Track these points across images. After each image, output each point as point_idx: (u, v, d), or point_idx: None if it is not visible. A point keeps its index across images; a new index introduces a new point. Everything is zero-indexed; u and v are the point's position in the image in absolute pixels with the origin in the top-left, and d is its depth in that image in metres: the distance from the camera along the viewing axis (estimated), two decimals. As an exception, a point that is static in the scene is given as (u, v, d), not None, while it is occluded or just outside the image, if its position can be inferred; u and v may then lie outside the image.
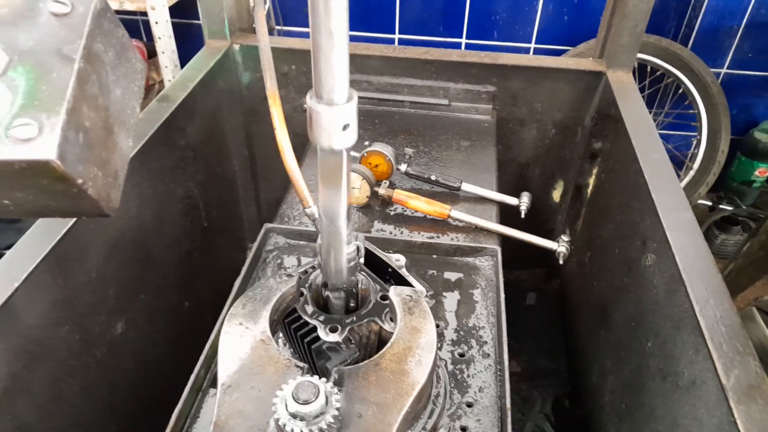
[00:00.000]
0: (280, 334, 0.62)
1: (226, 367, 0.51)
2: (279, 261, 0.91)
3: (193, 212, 1.18)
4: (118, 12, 2.01)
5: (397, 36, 2.29)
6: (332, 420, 0.47)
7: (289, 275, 0.60)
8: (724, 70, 2.14)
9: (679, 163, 2.26)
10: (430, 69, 1.24)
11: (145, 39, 2.36)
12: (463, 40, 2.27)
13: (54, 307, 0.76)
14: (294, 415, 0.46)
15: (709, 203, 2.26)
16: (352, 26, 2.22)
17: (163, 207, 1.03)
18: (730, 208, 2.22)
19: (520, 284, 1.60)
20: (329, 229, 0.54)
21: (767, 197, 2.28)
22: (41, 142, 0.33)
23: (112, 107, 0.39)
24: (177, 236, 1.11)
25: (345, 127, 0.48)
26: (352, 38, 2.07)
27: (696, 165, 2.11)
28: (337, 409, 0.47)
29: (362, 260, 0.61)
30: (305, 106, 0.48)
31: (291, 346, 0.61)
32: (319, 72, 0.45)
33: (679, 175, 2.19)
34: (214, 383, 0.72)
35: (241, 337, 0.53)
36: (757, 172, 2.21)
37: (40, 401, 0.74)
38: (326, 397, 0.47)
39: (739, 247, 1.94)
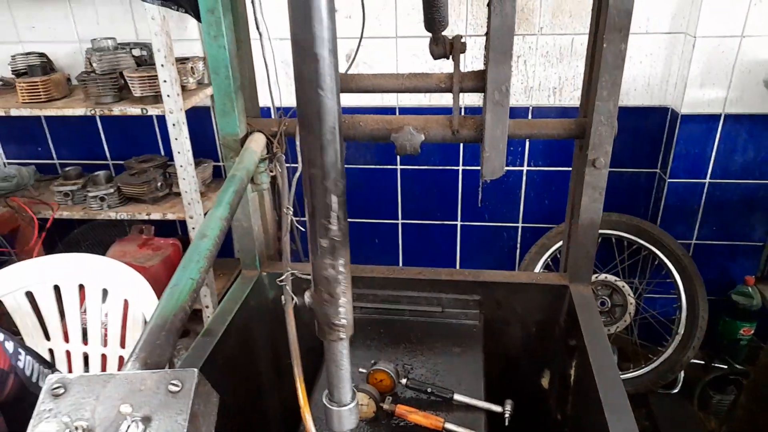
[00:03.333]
0: None
1: None
2: (301, 479, 1.08)
3: (225, 417, 1.36)
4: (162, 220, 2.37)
5: (400, 221, 2.62)
6: None
7: None
8: (693, 241, 2.40)
9: (666, 327, 2.43)
10: (425, 284, 1.50)
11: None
12: (458, 223, 2.59)
13: None
14: None
15: (703, 362, 2.38)
16: (361, 215, 2.57)
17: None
18: (723, 367, 2.34)
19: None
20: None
21: (757, 353, 2.41)
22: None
23: (202, 443, 0.62)
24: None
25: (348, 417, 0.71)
26: (361, 225, 2.41)
27: (681, 329, 2.28)
28: None
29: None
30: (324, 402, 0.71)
31: None
32: (332, 387, 0.69)
33: (668, 339, 2.35)
34: None
35: None
36: (742, 332, 2.36)
37: None
38: None
39: (726, 410, 2.04)
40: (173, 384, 0.61)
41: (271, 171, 1.36)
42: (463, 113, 1.30)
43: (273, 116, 1.40)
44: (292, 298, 0.89)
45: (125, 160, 2.45)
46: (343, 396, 0.67)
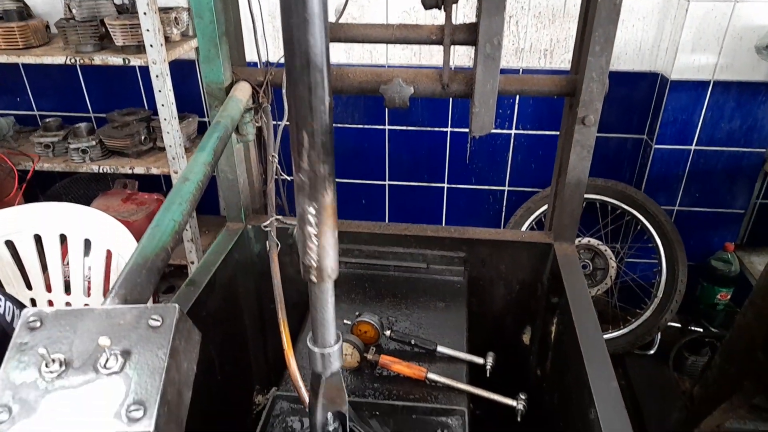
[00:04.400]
0: None
1: None
2: (284, 424, 1.10)
3: (210, 370, 1.37)
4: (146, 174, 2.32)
5: (387, 182, 2.61)
6: None
7: (293, 460, 0.79)
8: (676, 208, 2.42)
9: (645, 291, 2.48)
10: (410, 240, 1.50)
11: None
12: (445, 185, 2.58)
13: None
14: None
15: (679, 325, 2.44)
16: (349, 175, 2.55)
17: (187, 374, 1.23)
18: (699, 330, 2.40)
19: (504, 420, 1.75)
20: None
21: (733, 318, 2.47)
22: (145, 421, 0.54)
23: (182, 377, 0.62)
24: (196, 393, 1.30)
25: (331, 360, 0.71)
26: (348, 186, 2.40)
27: (660, 293, 2.33)
28: None
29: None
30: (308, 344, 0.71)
31: None
32: (316, 329, 0.69)
33: (646, 303, 2.40)
34: None
35: None
36: (719, 296, 2.42)
37: None
38: None
39: (700, 371, 2.10)
40: (153, 319, 0.60)
41: (257, 122, 1.34)
42: (453, 67, 1.28)
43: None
44: (277, 245, 0.88)
45: (107, 113, 2.39)
46: (327, 338, 0.66)
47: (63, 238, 1.66)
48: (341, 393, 0.71)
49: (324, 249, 0.61)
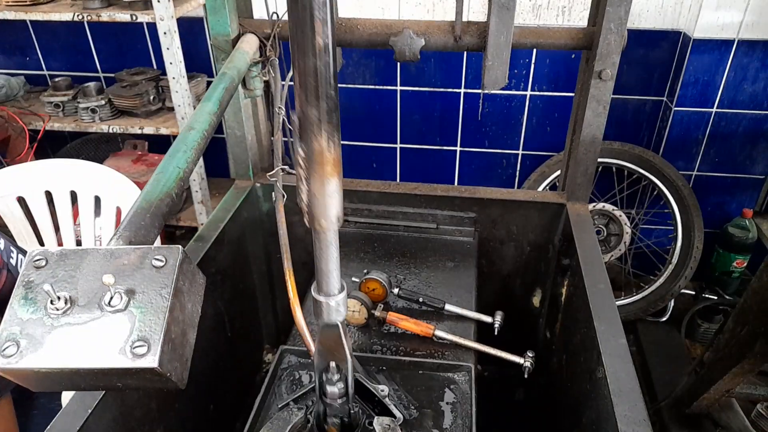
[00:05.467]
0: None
1: (253, 484, 0.70)
2: (292, 378, 1.10)
3: (220, 326, 1.39)
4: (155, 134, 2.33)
5: (399, 145, 2.58)
6: None
7: (300, 407, 0.80)
8: (694, 173, 2.37)
9: (660, 257, 2.44)
10: (420, 200, 1.48)
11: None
12: (458, 149, 2.54)
13: (113, 423, 0.96)
14: None
15: (693, 292, 2.42)
16: (359, 137, 2.52)
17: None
18: (713, 297, 2.38)
19: (511, 380, 1.76)
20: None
21: (746, 286, 2.44)
22: (149, 357, 0.54)
23: (187, 318, 0.61)
24: (206, 349, 1.32)
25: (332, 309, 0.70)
26: (359, 148, 2.38)
27: (674, 259, 2.29)
28: None
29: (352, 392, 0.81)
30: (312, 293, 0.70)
31: (301, 464, 0.80)
32: (319, 276, 0.68)
33: (660, 269, 2.37)
34: (239, 488, 0.90)
35: (264, 461, 0.73)
36: (735, 264, 2.38)
37: (101, 503, 0.92)
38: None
39: (712, 337, 2.08)
40: (157, 259, 0.60)
41: (264, 76, 1.31)
42: (466, 18, 1.23)
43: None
44: (283, 195, 0.87)
45: (116, 73, 2.37)
46: (331, 287, 0.65)
47: (73, 197, 1.67)
48: (343, 345, 0.71)
49: (315, 196, 0.59)
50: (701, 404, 1.84)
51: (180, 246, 0.61)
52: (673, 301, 2.38)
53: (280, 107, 0.96)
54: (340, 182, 0.59)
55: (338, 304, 0.69)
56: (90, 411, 0.88)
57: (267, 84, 1.36)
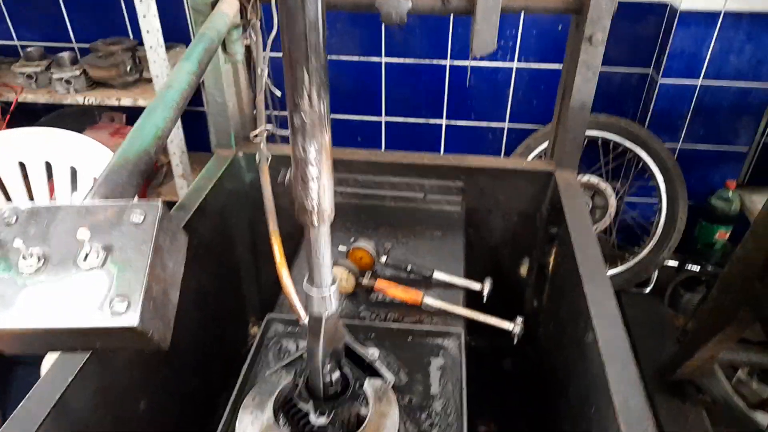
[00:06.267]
0: (282, 419, 0.79)
1: (241, 448, 0.69)
2: (279, 346, 1.08)
3: (203, 299, 1.36)
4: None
5: (384, 119, 2.54)
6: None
7: (288, 371, 0.78)
8: (679, 145, 2.38)
9: (644, 229, 2.46)
10: (408, 169, 1.46)
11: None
12: (444, 121, 2.52)
13: (95, 394, 0.93)
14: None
15: (676, 264, 2.44)
16: (344, 111, 2.48)
17: (180, 300, 1.21)
18: (696, 269, 2.40)
19: (499, 350, 1.76)
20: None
21: (728, 257, 2.47)
22: (129, 315, 0.52)
23: (168, 277, 0.59)
24: (189, 322, 1.29)
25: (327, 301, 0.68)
26: (343, 122, 2.35)
27: (658, 231, 2.31)
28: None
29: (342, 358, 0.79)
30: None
31: (291, 428, 0.78)
32: (312, 270, 0.66)
33: (644, 240, 2.39)
34: (227, 456, 0.89)
35: (252, 424, 0.71)
36: (717, 235, 2.41)
37: (84, 474, 0.90)
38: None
39: (695, 307, 2.11)
40: (136, 215, 0.57)
41: (246, 39, 1.27)
42: None
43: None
44: (267, 158, 0.84)
45: (91, 42, 2.29)
46: (325, 280, 0.64)
47: (49, 169, 1.61)
48: (340, 331, 0.69)
49: (324, 190, 0.57)
50: (685, 371, 1.87)
51: (160, 200, 0.58)
52: (656, 273, 2.41)
53: (263, 68, 0.93)
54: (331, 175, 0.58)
55: (331, 294, 0.68)
56: (69, 381, 0.86)
57: (248, 49, 1.31)
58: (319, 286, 0.66)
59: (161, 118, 0.77)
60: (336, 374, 0.75)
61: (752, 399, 1.93)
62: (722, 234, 2.40)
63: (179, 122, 2.24)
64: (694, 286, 2.35)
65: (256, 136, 0.82)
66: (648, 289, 2.43)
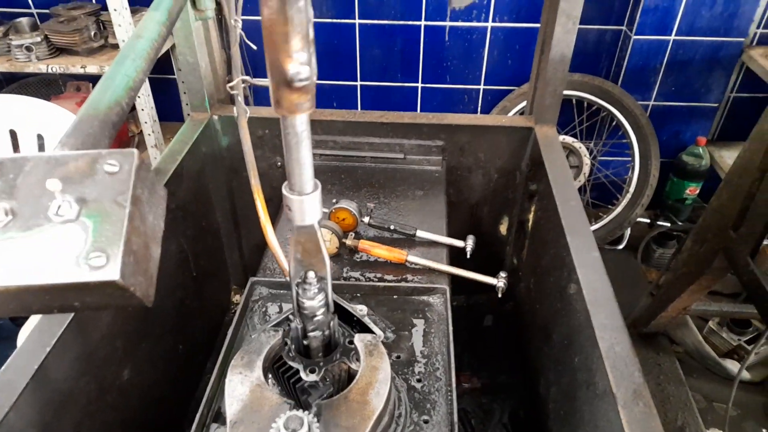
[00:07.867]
0: (272, 378, 0.78)
1: (231, 407, 0.67)
2: (264, 309, 1.07)
3: (184, 264, 1.33)
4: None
5: (359, 83, 2.49)
6: (314, 442, 0.63)
7: (276, 330, 0.76)
8: (651, 103, 2.40)
9: (617, 187, 2.49)
10: (387, 129, 1.43)
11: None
12: (419, 85, 2.48)
13: (76, 362, 0.91)
14: (286, 441, 0.62)
15: (648, 220, 2.49)
16: (319, 75, 2.41)
17: (160, 264, 1.18)
18: (667, 224, 2.46)
19: (480, 308, 1.79)
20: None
21: (699, 213, 2.52)
22: (108, 269, 0.49)
23: (148, 230, 0.56)
24: (171, 287, 1.26)
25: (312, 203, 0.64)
26: (319, 87, 2.28)
27: (632, 188, 2.34)
28: (318, 433, 0.64)
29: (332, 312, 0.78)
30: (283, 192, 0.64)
31: (280, 387, 0.77)
32: (291, 172, 0.61)
33: (618, 198, 2.42)
34: (215, 419, 0.88)
35: (242, 384, 0.70)
36: (687, 191, 2.45)
37: (69, 443, 0.88)
38: (309, 426, 0.63)
39: (668, 260, 2.16)
40: (110, 164, 0.54)
41: (216, -6, 1.21)
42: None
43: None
44: (245, 111, 0.81)
45: (51, 7, 2.17)
46: (305, 184, 0.60)
47: (14, 137, 1.54)
48: (320, 252, 0.67)
49: (301, 62, 0.50)
50: (658, 323, 1.93)
51: (135, 149, 0.55)
52: (629, 229, 2.45)
53: (236, 19, 0.88)
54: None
55: (313, 201, 0.63)
56: (49, 349, 0.83)
57: (218, 5, 1.25)
58: (299, 193, 0.61)
59: (132, 68, 0.73)
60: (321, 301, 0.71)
61: (722, 348, 2.00)
62: (692, 190, 2.45)
63: (149, 90, 2.16)
64: (665, 242, 2.41)
65: (232, 87, 0.79)
66: (621, 246, 2.47)
